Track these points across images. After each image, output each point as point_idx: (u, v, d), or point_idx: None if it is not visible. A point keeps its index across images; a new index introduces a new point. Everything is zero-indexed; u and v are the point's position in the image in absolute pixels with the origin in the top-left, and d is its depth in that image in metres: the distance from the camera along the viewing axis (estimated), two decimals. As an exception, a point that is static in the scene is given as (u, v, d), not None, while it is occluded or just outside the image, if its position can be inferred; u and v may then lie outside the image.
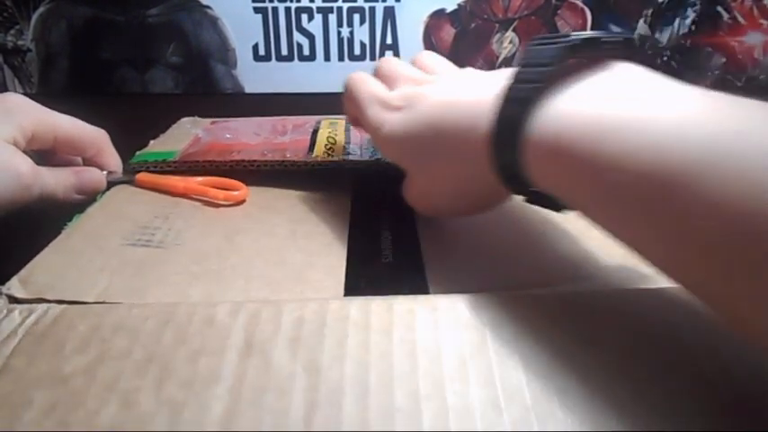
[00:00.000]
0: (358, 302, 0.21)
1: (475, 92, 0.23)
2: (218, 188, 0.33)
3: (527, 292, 0.22)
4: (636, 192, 0.16)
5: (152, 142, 0.42)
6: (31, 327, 0.20)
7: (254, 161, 0.35)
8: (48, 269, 0.25)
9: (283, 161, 0.35)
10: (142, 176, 0.35)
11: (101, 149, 0.36)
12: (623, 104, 0.17)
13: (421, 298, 0.22)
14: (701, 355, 0.19)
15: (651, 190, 0.16)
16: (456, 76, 0.27)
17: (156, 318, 0.20)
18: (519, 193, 0.22)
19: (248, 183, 0.34)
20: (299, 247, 0.27)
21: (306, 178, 0.35)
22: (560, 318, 0.20)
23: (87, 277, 0.24)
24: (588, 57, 0.20)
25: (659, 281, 0.21)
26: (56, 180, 0.33)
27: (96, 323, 0.20)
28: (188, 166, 0.36)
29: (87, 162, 0.36)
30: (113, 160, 0.37)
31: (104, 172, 0.36)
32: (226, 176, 0.34)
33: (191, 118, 0.49)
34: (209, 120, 0.48)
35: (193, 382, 0.18)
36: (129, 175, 0.36)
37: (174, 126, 0.47)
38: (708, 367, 0.18)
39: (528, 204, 0.22)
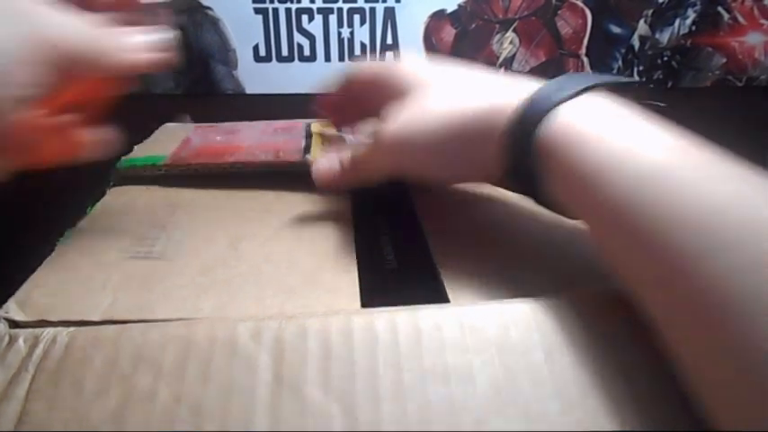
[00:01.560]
0: (383, 319, 0.20)
1: (491, 98, 0.24)
2: None
3: (549, 299, 0.21)
4: (601, 199, 0.19)
5: (136, 147, 0.41)
6: (42, 362, 0.19)
7: (249, 162, 0.34)
8: (46, 288, 0.23)
9: (277, 162, 0.34)
10: None
11: None
12: (610, 130, 0.20)
13: (447, 311, 0.21)
14: None
15: (607, 202, 0.19)
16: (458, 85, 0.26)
17: (175, 346, 0.19)
18: (524, 193, 0.23)
19: (242, 185, 0.33)
20: (308, 251, 0.26)
21: (300, 178, 0.34)
22: (593, 324, 0.20)
23: (90, 295, 0.23)
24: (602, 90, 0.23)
25: None
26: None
27: (112, 355, 0.19)
28: (179, 170, 0.35)
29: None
30: None
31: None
32: (218, 179, 0.34)
33: (176, 124, 0.48)
34: (194, 124, 0.47)
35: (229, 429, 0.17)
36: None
37: (158, 130, 0.47)
38: None
39: (533, 204, 0.23)
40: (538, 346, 0.19)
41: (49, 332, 0.20)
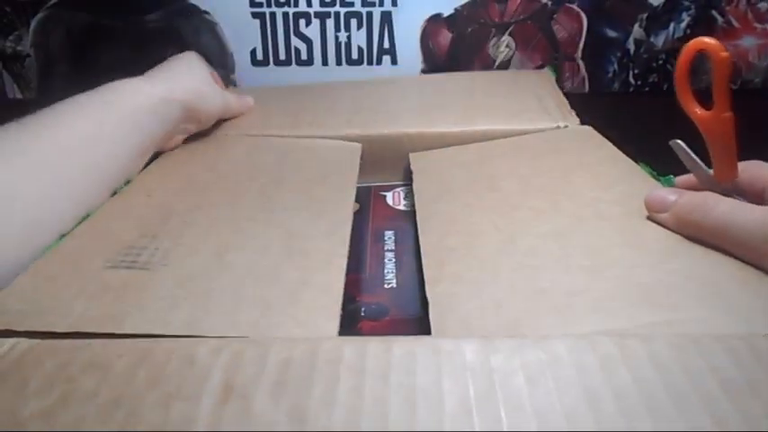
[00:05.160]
0: (353, 344, 0.19)
1: None
2: None
3: (541, 337, 0.20)
4: None
5: None
6: None
7: None
8: (21, 295, 0.23)
9: None
10: None
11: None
12: None
13: (424, 339, 0.19)
14: None
15: None
16: None
17: (131, 355, 0.19)
18: None
19: (243, 194, 0.33)
20: (295, 264, 0.25)
21: (302, 188, 0.34)
22: (582, 364, 0.18)
23: (61, 304, 0.22)
24: None
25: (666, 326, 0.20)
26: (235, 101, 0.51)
27: (66, 360, 0.18)
28: None
29: None
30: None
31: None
32: (220, 187, 0.33)
33: None
34: None
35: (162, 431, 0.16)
36: None
37: None
38: None
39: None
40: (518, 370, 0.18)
41: (10, 342, 0.19)
